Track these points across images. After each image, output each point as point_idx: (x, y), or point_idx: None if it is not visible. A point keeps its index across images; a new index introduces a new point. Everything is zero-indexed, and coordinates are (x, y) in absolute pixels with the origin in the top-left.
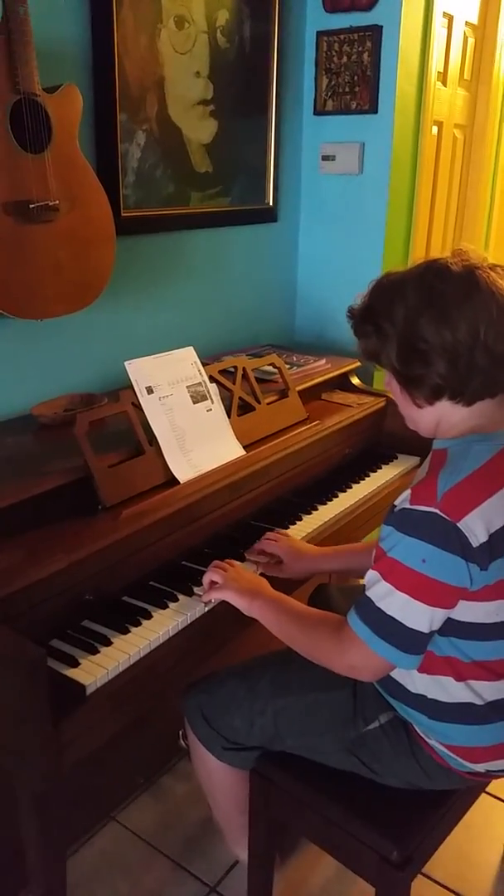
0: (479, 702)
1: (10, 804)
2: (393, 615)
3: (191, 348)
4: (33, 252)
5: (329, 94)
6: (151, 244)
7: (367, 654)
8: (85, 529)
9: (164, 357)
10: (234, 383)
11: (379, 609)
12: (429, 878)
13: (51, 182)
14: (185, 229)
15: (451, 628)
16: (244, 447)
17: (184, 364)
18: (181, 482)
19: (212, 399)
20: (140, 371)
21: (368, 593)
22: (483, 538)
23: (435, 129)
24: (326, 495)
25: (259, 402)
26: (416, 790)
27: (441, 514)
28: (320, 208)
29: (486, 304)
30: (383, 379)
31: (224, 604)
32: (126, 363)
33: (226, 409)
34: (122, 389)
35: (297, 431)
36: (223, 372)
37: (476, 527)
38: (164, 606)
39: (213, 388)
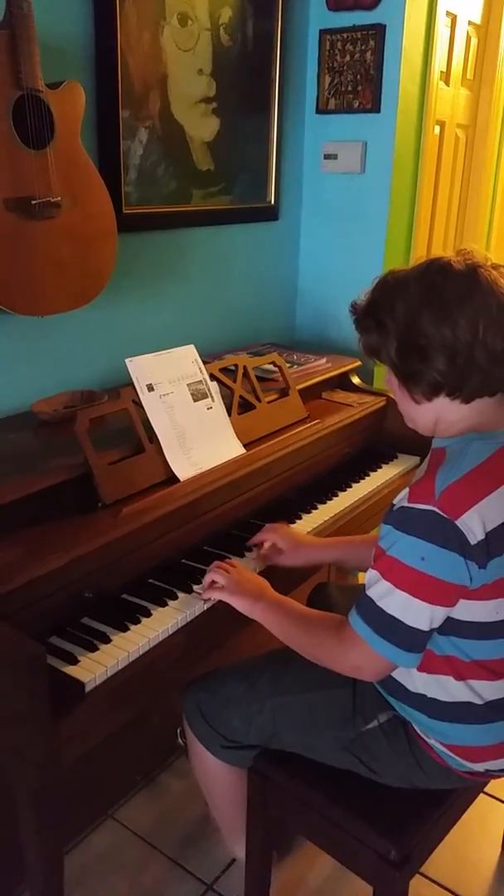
0: (478, 701)
1: (8, 801)
2: (393, 614)
3: (191, 346)
4: (35, 248)
5: (332, 92)
6: (153, 241)
7: (369, 654)
8: (85, 526)
9: (164, 355)
10: (234, 381)
11: (379, 608)
12: (426, 877)
13: (53, 178)
14: (186, 227)
15: (451, 627)
16: (244, 445)
17: (184, 362)
18: (181, 480)
19: (212, 397)
20: (141, 368)
21: (369, 592)
22: (481, 536)
23: (437, 129)
24: (326, 494)
25: (259, 401)
26: (414, 789)
27: (439, 511)
28: (322, 207)
29: (487, 303)
30: (384, 376)
31: (223, 602)
32: (127, 360)
33: (226, 407)
34: (123, 387)
35: (297, 430)
36: (224, 370)
37: (474, 524)
38: (164, 604)
39: (213, 386)
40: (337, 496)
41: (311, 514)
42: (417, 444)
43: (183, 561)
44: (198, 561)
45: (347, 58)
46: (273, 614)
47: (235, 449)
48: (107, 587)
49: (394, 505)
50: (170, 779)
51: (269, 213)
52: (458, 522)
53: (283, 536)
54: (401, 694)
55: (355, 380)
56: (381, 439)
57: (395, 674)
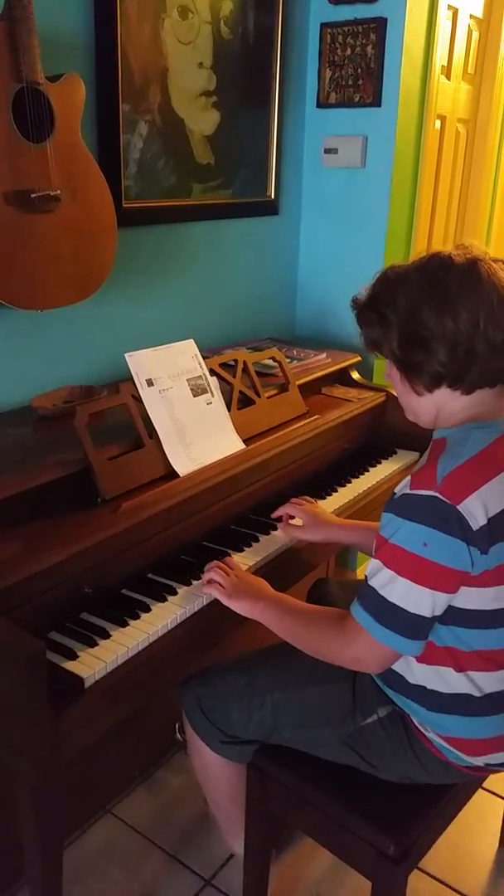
0: (477, 693)
1: (7, 796)
2: (396, 602)
3: (191, 341)
4: (34, 242)
5: (332, 86)
6: (152, 236)
7: (371, 644)
8: (84, 522)
9: (164, 349)
10: (234, 377)
11: (381, 597)
12: (424, 872)
13: (52, 172)
14: (186, 221)
15: (452, 616)
16: (244, 441)
17: (184, 357)
18: (181, 475)
19: (212, 392)
20: (140, 363)
21: (371, 582)
22: (483, 521)
23: (438, 124)
24: (326, 489)
25: (259, 396)
26: (413, 785)
27: (441, 497)
28: (322, 201)
29: (487, 295)
30: (384, 371)
31: None
32: (126, 355)
33: (226, 402)
34: (122, 382)
35: (297, 425)
36: (223, 365)
37: (476, 510)
38: (163, 600)
39: (213, 381)
40: (336, 491)
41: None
42: (417, 440)
43: (182, 556)
44: (197, 556)
45: (348, 51)
46: (273, 613)
47: (235, 444)
48: (106, 583)
49: (395, 493)
50: (168, 774)
51: (270, 208)
52: (459, 508)
53: (306, 512)
54: (400, 686)
55: (355, 375)
56: (380, 435)
57: (394, 665)
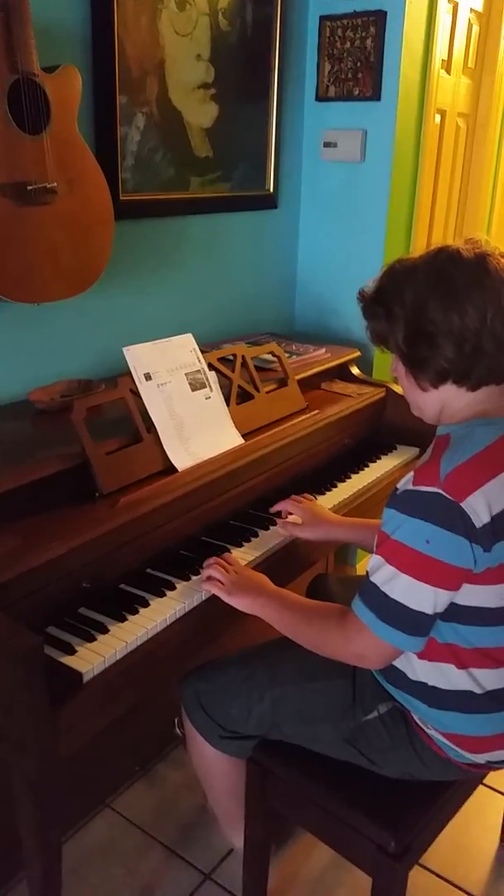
0: (478, 690)
1: (7, 791)
2: (397, 599)
3: (189, 335)
4: (30, 235)
5: (331, 79)
6: (150, 229)
7: (373, 640)
8: (82, 516)
9: (162, 343)
10: (233, 371)
11: (383, 593)
12: (425, 868)
13: (49, 164)
14: (184, 214)
15: (454, 613)
16: (243, 436)
17: (182, 351)
18: (179, 470)
19: (210, 387)
20: (138, 357)
21: (372, 578)
22: (486, 519)
23: (438, 118)
24: (325, 485)
25: (258, 391)
26: (414, 781)
27: (444, 494)
28: (321, 195)
29: (496, 290)
30: (390, 365)
31: None
32: (124, 349)
33: (224, 397)
34: (120, 376)
35: (296, 420)
36: (222, 359)
37: (479, 507)
38: (162, 594)
39: (211, 375)
40: (336, 487)
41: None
42: (417, 435)
43: (181, 551)
44: (196, 551)
45: (347, 44)
46: (274, 609)
47: (234, 439)
48: (104, 577)
49: (397, 489)
50: (168, 769)
51: (268, 201)
52: (463, 505)
53: (305, 509)
54: (401, 682)
55: (354, 370)
56: (380, 430)
57: (395, 662)
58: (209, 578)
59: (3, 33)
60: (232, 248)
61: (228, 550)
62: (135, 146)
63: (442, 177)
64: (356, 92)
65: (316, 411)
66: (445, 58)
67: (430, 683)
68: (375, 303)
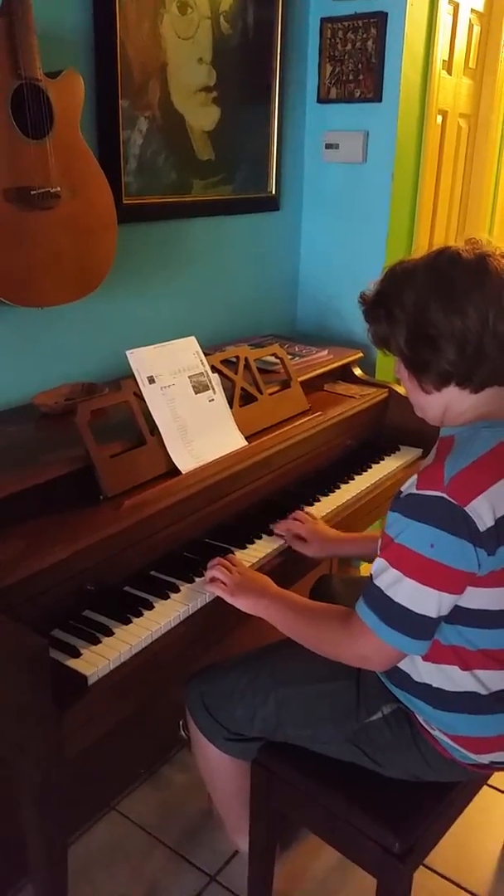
0: (483, 692)
1: (11, 794)
2: (401, 602)
3: (192, 338)
4: (34, 239)
5: (333, 81)
6: (153, 232)
7: (377, 643)
8: (86, 519)
9: (165, 346)
10: (235, 373)
11: (387, 597)
12: (429, 868)
13: (52, 169)
14: (186, 217)
15: (458, 616)
16: (246, 438)
17: (186, 354)
18: (183, 472)
19: (214, 389)
20: (142, 360)
21: (376, 581)
22: (490, 523)
23: (439, 119)
24: (328, 486)
25: (261, 393)
26: (418, 782)
27: (448, 498)
28: (323, 197)
29: (497, 292)
30: (392, 367)
31: None
32: (127, 352)
33: (228, 399)
34: (124, 379)
35: (299, 422)
36: (225, 362)
37: (483, 511)
38: (166, 597)
39: (215, 378)
40: (339, 488)
41: (313, 507)
42: (420, 437)
43: (185, 554)
44: (200, 554)
45: (349, 46)
46: (278, 610)
47: (237, 441)
48: (109, 580)
49: (401, 492)
50: (172, 771)
51: (270, 204)
52: (467, 509)
53: (308, 531)
54: (405, 684)
55: (357, 371)
56: (382, 431)
57: (400, 663)
58: (212, 579)
59: (6, 39)
60: (234, 250)
61: (232, 552)
62: (137, 150)
63: (443, 177)
64: (357, 93)
65: (319, 413)
66: (446, 58)
67: (435, 685)
68: (376, 306)
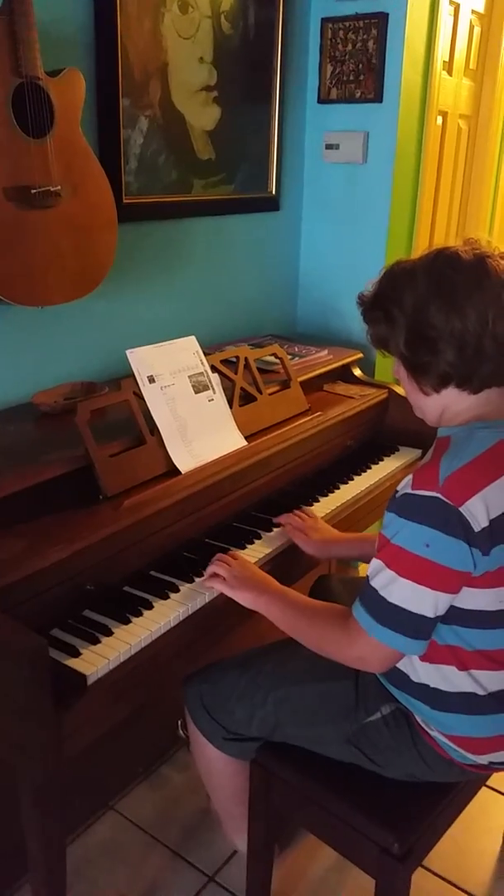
0: (480, 692)
1: (10, 793)
2: (397, 603)
3: (192, 337)
4: (34, 238)
5: (333, 81)
6: (153, 232)
7: (373, 644)
8: (86, 519)
9: (165, 346)
10: (235, 373)
11: (382, 598)
12: (427, 869)
13: (52, 167)
14: (187, 217)
15: (454, 616)
16: (246, 438)
17: (185, 353)
18: (182, 472)
19: (213, 389)
20: (141, 360)
21: (372, 583)
22: (484, 523)
23: (440, 119)
24: (328, 487)
25: (261, 393)
26: (417, 782)
27: (443, 498)
28: (323, 197)
29: (496, 293)
30: (391, 367)
31: (226, 594)
32: (127, 352)
33: (227, 399)
34: (124, 378)
35: (298, 422)
36: (225, 362)
37: (478, 511)
38: (166, 597)
39: (214, 377)
40: (339, 489)
41: (312, 507)
42: (419, 437)
43: (185, 553)
44: (199, 553)
45: (349, 46)
46: (277, 607)
47: (237, 441)
48: (108, 580)
49: (397, 492)
50: (171, 771)
51: (271, 204)
52: (461, 509)
53: (308, 528)
54: (404, 684)
55: (357, 372)
56: (382, 432)
57: (398, 664)
58: (213, 575)
59: (7, 37)
60: (234, 250)
61: (232, 551)
62: (138, 149)
63: (444, 178)
64: (358, 94)
65: (318, 413)
66: (447, 59)
67: (433, 685)
68: (375, 307)
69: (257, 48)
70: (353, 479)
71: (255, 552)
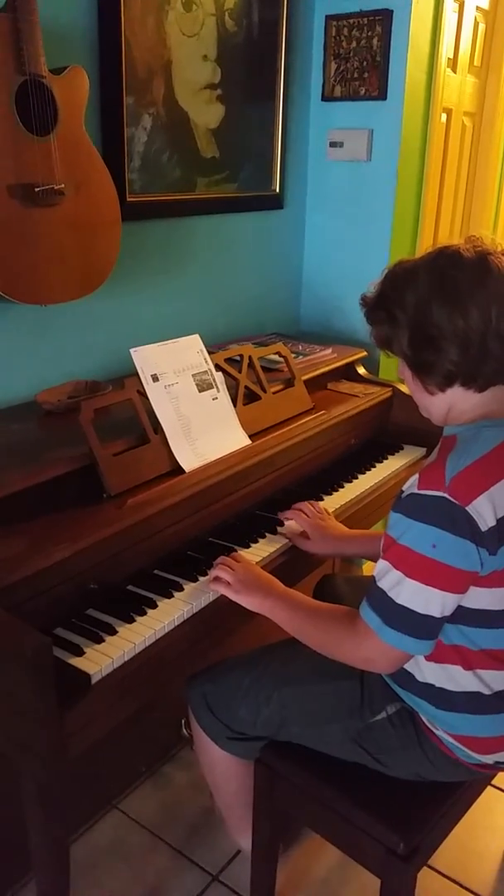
0: (486, 691)
1: (14, 792)
2: (404, 604)
3: (196, 336)
4: (38, 236)
5: (337, 79)
6: (157, 230)
7: (381, 645)
8: (89, 518)
9: (169, 345)
10: (239, 372)
11: (390, 599)
12: (432, 868)
13: (56, 165)
14: (190, 215)
15: (460, 616)
16: (250, 436)
17: (189, 352)
18: (186, 471)
19: (217, 387)
20: (145, 358)
21: (380, 584)
22: (491, 522)
23: (444, 117)
24: (332, 485)
25: (265, 391)
26: (422, 782)
27: (449, 498)
28: (327, 195)
29: (499, 291)
30: (396, 367)
31: None
32: (131, 350)
33: (231, 397)
34: (127, 377)
35: (302, 421)
36: (229, 360)
37: (484, 511)
38: (170, 596)
39: (218, 376)
40: (343, 487)
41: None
42: (423, 435)
43: (188, 552)
44: (203, 552)
45: (354, 44)
46: (283, 610)
47: (241, 440)
48: (112, 579)
49: (403, 492)
50: (175, 770)
51: (274, 202)
52: (468, 509)
53: (313, 526)
54: (409, 684)
55: (361, 370)
56: (386, 430)
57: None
58: (217, 579)
59: (11, 35)
60: (238, 248)
61: (236, 551)
62: (141, 147)
63: (448, 176)
64: (362, 91)
65: (322, 412)
66: (451, 56)
67: (438, 685)
68: (378, 308)
69: (261, 46)
70: (357, 478)
71: (260, 551)
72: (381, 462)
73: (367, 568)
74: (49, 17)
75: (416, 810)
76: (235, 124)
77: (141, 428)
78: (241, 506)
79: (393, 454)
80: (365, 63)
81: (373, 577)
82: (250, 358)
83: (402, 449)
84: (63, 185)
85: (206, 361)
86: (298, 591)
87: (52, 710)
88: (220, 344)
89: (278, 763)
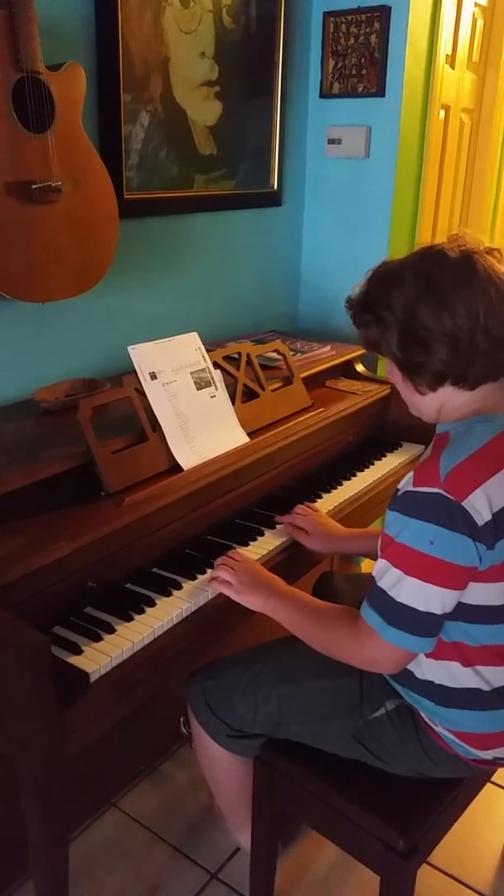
0: (485, 687)
1: (12, 791)
2: (405, 602)
3: (194, 334)
4: (35, 233)
5: (335, 76)
6: (154, 227)
7: (384, 646)
8: (87, 516)
9: (167, 342)
10: (238, 370)
11: (391, 598)
12: (432, 866)
13: (53, 163)
14: (188, 212)
15: (459, 612)
16: (248, 434)
17: (188, 350)
18: (185, 469)
19: (216, 385)
20: (143, 356)
21: (380, 584)
22: (487, 517)
23: (442, 113)
24: (331, 483)
25: (263, 389)
26: (421, 779)
27: (445, 494)
28: (325, 192)
29: (485, 289)
30: (385, 368)
31: None
32: (129, 348)
33: (230, 395)
34: (125, 375)
35: (301, 419)
36: (227, 358)
37: (480, 505)
38: (168, 594)
39: (217, 374)
40: (341, 485)
41: (316, 504)
42: (422, 433)
43: (187, 551)
44: (202, 550)
45: (352, 41)
46: (285, 610)
47: (239, 438)
48: (110, 577)
49: (398, 490)
50: (174, 768)
51: (272, 199)
52: (464, 504)
53: (311, 523)
54: (408, 681)
55: (359, 368)
56: (385, 428)
57: None
58: (218, 579)
59: (7, 31)
60: (236, 245)
61: (234, 549)
62: (139, 144)
63: (446, 172)
64: (360, 88)
65: (321, 409)
66: (450, 53)
67: (437, 682)
68: (364, 310)
69: (259, 43)
70: (356, 476)
71: (259, 549)
72: (380, 459)
73: (366, 565)
74: (46, 14)
75: (415, 807)
76: (233, 121)
77: (139, 426)
78: (239, 504)
79: (391, 451)
80: (363, 60)
81: (372, 576)
82: (248, 356)
83: (401, 446)
84: (60, 183)
85: (205, 359)
86: (297, 588)
87: (51, 709)
88: (218, 341)
89: (278, 760)
